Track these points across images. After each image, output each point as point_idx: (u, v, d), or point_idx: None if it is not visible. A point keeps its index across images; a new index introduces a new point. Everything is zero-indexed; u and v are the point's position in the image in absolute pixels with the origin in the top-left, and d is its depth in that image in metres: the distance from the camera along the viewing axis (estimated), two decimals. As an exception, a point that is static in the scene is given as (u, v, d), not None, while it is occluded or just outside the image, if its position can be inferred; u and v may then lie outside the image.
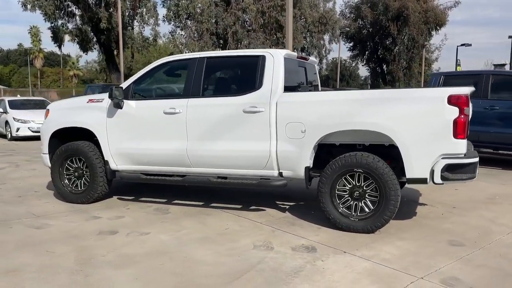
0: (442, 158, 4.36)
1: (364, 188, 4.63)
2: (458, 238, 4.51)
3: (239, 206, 5.78)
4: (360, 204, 4.66)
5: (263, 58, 5.11)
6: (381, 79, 46.72)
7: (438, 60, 50.57)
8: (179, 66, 5.77)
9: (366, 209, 4.64)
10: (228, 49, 29.53)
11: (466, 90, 4.34)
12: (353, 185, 4.67)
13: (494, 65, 41.54)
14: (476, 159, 4.49)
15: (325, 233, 4.65)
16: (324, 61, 43.63)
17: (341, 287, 3.42)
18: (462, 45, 42.93)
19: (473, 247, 4.26)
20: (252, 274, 3.66)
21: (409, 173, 4.46)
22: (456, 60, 41.20)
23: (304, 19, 34.85)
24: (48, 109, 6.23)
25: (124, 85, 5.70)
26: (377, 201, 4.57)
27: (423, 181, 4.46)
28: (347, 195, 4.70)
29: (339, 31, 38.48)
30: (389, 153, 4.70)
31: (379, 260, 3.92)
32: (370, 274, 3.65)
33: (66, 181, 6.05)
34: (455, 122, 4.26)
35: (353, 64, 55.31)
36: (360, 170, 4.58)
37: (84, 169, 5.94)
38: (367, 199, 4.64)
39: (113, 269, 3.77)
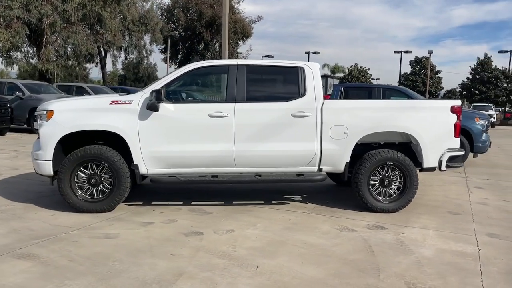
0: (447, 152, 5.95)
1: (391, 177, 5.89)
2: (452, 210, 6.18)
3: (262, 202, 6.34)
4: (387, 190, 5.90)
5: (302, 69, 5.88)
6: (193, 83, 48.71)
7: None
8: (214, 71, 5.98)
9: (393, 194, 5.91)
10: (46, 42, 27.03)
11: (459, 102, 6.04)
12: (383, 175, 5.88)
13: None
14: (463, 152, 6.24)
15: (370, 216, 5.71)
16: (145, 61, 43.15)
17: (440, 245, 4.58)
18: (266, 56, 48.32)
19: (467, 214, 5.98)
20: (378, 248, 4.51)
21: (426, 164, 5.92)
22: (260, 68, 45.95)
23: (121, 16, 34.01)
24: (52, 110, 5.54)
25: (155, 87, 5.61)
26: (402, 187, 5.89)
27: (433, 169, 5.99)
28: (378, 183, 5.89)
29: (159, 34, 38.72)
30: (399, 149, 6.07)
31: (433, 228, 5.23)
32: (439, 236, 4.91)
33: (78, 189, 5.56)
34: (455, 125, 5.91)
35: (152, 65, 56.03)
36: (391, 163, 5.83)
37: (102, 175, 5.58)
38: (393, 186, 5.91)
39: (270, 259, 4.11)
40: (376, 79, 65.01)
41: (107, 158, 5.51)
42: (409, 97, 10.55)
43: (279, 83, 6.01)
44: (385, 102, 6.30)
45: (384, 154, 5.82)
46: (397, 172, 5.89)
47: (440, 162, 5.97)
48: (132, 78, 60.20)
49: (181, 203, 6.20)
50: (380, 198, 5.89)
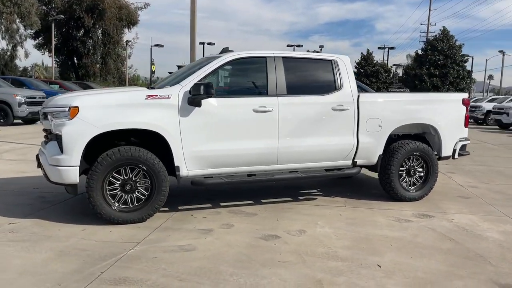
0: (459, 141, 6.41)
1: (415, 167, 6.17)
2: (460, 195, 6.69)
3: (289, 199, 6.16)
4: (412, 180, 6.17)
5: (335, 62, 5.82)
6: (73, 73, 44.93)
7: (131, 57, 52.70)
8: (251, 63, 5.57)
9: (417, 183, 6.19)
10: None
11: (467, 95, 6.54)
12: (409, 165, 6.12)
13: (177, 66, 47.09)
14: (469, 141, 6.75)
15: (406, 205, 5.91)
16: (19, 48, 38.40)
17: (497, 228, 4.95)
18: (155, 45, 46.59)
19: (475, 197, 6.53)
20: (454, 236, 4.70)
21: (444, 153, 6.31)
22: (151, 59, 44.48)
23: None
24: (77, 107, 4.66)
25: (192, 80, 5.09)
26: (424, 176, 6.20)
27: (448, 157, 6.41)
28: (405, 174, 6.12)
29: (36, 17, 34.84)
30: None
31: (469, 213, 5.62)
32: (484, 220, 5.30)
33: (111, 198, 4.81)
34: (465, 116, 6.39)
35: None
36: (417, 153, 6.09)
37: (137, 180, 4.90)
38: (416, 175, 6.19)
39: (379, 256, 4.02)
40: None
41: (146, 161, 4.84)
42: (363, 90, 11.08)
43: (314, 76, 5.85)
44: (414, 95, 6.54)
45: (412, 145, 6.06)
46: (421, 162, 6.17)
47: (454, 151, 6.41)
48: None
49: (209, 205, 5.74)
50: (408, 187, 6.12)
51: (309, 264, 3.85)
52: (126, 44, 45.58)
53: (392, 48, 53.85)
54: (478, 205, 6.05)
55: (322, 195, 6.45)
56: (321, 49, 46.70)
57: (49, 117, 4.80)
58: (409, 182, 6.15)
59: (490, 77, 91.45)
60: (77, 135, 4.62)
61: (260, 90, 5.50)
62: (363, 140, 5.81)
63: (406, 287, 3.47)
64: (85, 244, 4.21)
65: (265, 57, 5.52)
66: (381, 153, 5.95)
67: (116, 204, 4.84)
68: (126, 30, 45.24)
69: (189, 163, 5.06)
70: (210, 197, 6.14)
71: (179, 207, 5.59)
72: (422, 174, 6.21)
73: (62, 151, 4.63)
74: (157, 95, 4.94)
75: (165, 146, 5.00)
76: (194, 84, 4.94)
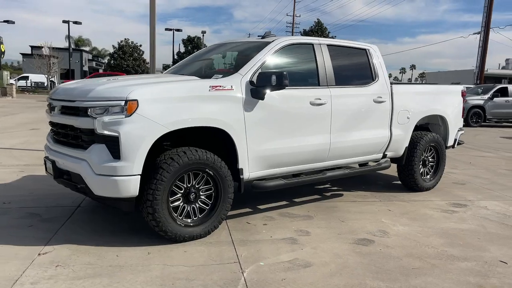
0: (458, 131, 6.75)
1: (429, 157, 6.33)
2: (455, 182, 7.07)
3: (319, 196, 5.84)
4: (425, 170, 6.32)
5: (368, 51, 5.62)
6: None
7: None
8: (300, 50, 5.00)
9: (429, 172, 6.37)
10: None
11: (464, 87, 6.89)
12: (424, 155, 6.25)
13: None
14: (464, 131, 7.11)
15: (428, 196, 6.02)
16: None
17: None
18: (4, 21, 40.96)
19: (469, 183, 6.97)
20: (509, 220, 4.90)
21: (449, 142, 6.58)
22: None
23: None
24: (136, 100, 3.66)
25: (251, 69, 4.43)
26: (434, 165, 6.40)
27: (449, 147, 6.70)
28: (421, 164, 6.23)
29: None
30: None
31: (486, 199, 5.95)
32: (507, 204, 5.68)
33: (173, 211, 3.97)
34: (462, 107, 6.75)
35: None
36: (432, 144, 6.25)
37: (200, 187, 4.12)
38: (429, 165, 6.36)
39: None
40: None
41: (214, 164, 4.07)
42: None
43: (354, 66, 5.55)
44: (434, 87, 6.59)
45: (430, 136, 6.18)
46: (433, 152, 6.35)
47: (455, 140, 6.74)
48: None
49: (249, 209, 5.12)
50: (424, 177, 6.26)
51: (443, 268, 3.62)
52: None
53: (263, 37, 55.38)
54: (482, 191, 6.46)
55: (341, 189, 6.24)
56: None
57: (89, 111, 3.70)
58: (423, 172, 6.29)
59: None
60: (140, 136, 3.66)
61: (312, 81, 5.03)
62: (395, 133, 5.74)
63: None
64: (179, 272, 3.36)
65: (312, 44, 5.06)
66: (407, 144, 5.95)
67: (179, 217, 3.99)
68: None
69: (251, 164, 4.40)
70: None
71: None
72: (433, 164, 6.40)
73: (119, 157, 3.62)
74: (220, 86, 4.17)
75: (222, 146, 4.28)
76: (261, 73, 4.29)
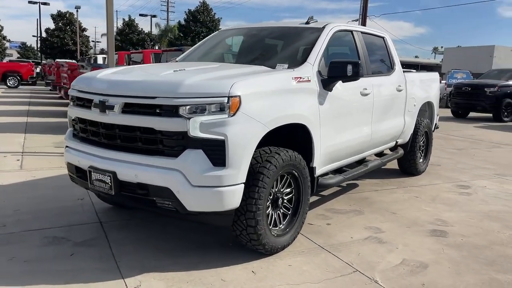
0: (436, 115, 7.14)
1: (422, 142, 6.60)
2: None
3: (339, 188, 5.68)
4: (422, 154, 6.59)
5: (385, 39, 5.60)
6: None
7: None
8: (344, 37, 4.70)
9: (421, 156, 6.64)
10: None
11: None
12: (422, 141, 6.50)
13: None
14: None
15: (429, 179, 6.28)
16: None
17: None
18: None
19: (446, 165, 7.46)
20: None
21: (432, 127, 6.93)
22: None
23: None
24: (238, 96, 3.07)
25: (316, 58, 4.08)
26: (425, 149, 6.70)
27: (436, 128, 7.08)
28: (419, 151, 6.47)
29: None
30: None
31: (477, 178, 6.44)
32: (502, 182, 6.21)
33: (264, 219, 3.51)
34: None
35: None
36: (426, 130, 6.51)
37: (283, 191, 3.71)
38: (421, 150, 6.63)
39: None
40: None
41: (299, 165, 3.68)
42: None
43: (378, 54, 5.43)
44: (429, 74, 6.71)
45: (425, 122, 6.43)
46: (424, 137, 6.63)
47: (435, 125, 7.13)
48: None
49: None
50: (420, 161, 6.52)
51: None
52: None
53: (154, 16, 53.18)
54: (464, 171, 6.96)
55: (351, 180, 6.18)
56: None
57: (181, 110, 3.02)
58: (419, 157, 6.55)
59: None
60: (247, 139, 3.12)
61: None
62: (407, 120, 5.85)
63: None
64: (315, 293, 2.98)
65: (351, 31, 4.84)
66: (412, 131, 6.11)
67: (266, 225, 3.53)
68: None
69: (321, 161, 4.08)
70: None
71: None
72: (423, 148, 6.70)
73: (223, 164, 3.04)
74: (301, 78, 3.75)
75: (292, 144, 3.88)
76: (334, 61, 3.96)
